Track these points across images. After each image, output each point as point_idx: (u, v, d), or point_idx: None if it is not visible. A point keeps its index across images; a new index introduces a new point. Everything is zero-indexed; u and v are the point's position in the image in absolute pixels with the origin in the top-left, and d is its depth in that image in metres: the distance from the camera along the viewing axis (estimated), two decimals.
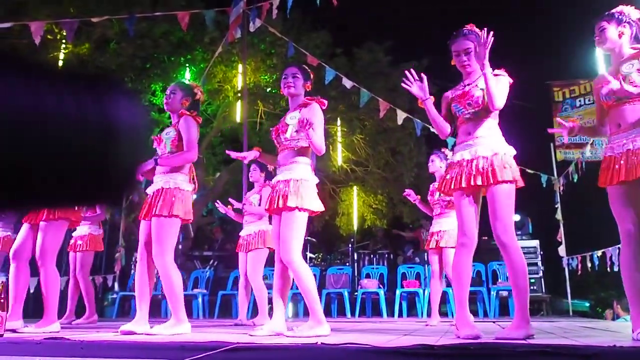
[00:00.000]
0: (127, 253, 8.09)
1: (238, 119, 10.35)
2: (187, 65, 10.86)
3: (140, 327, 3.34)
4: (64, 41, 9.48)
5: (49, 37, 8.53)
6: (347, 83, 7.76)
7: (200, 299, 7.51)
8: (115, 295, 7.94)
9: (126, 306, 8.14)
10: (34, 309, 7.30)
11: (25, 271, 3.85)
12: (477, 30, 3.09)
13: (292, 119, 3.27)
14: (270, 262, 5.77)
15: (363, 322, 5.54)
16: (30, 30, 6.12)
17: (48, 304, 3.75)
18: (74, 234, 5.71)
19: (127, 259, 8.07)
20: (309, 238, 8.02)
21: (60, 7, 9.11)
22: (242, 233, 5.46)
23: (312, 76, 3.46)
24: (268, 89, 11.18)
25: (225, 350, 2.18)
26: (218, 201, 5.73)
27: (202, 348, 2.22)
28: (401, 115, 7.83)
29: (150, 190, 3.51)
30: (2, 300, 3.19)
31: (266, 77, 11.30)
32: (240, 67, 10.45)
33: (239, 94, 10.25)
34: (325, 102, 3.36)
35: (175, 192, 3.43)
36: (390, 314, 7.38)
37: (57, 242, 3.85)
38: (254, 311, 6.85)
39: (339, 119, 11.16)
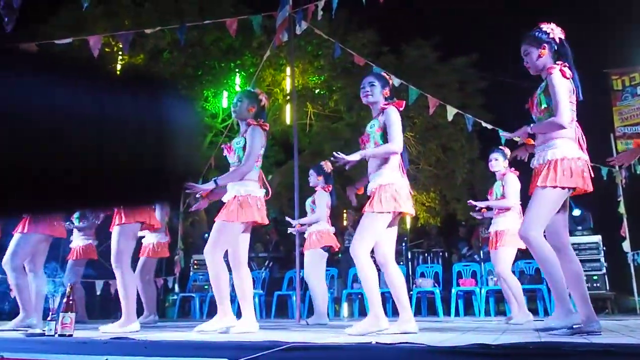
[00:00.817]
0: (185, 256, 8.36)
1: (288, 121, 10.47)
2: (237, 70, 11.08)
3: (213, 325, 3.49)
4: (120, 53, 9.89)
5: (106, 50, 8.92)
6: (395, 81, 7.69)
7: (257, 300, 7.66)
8: (175, 297, 8.22)
9: (186, 307, 8.41)
10: (100, 309, 7.66)
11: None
12: (542, 27, 3.05)
13: (371, 127, 3.37)
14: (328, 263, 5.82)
15: (419, 322, 5.45)
16: (89, 44, 6.40)
17: (127, 304, 3.91)
18: (143, 240, 5.97)
19: (185, 261, 8.33)
20: None
21: (115, 20, 9.50)
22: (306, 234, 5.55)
23: (390, 82, 3.51)
24: (317, 91, 11.26)
25: (281, 349, 2.22)
26: (293, 229, 5.73)
27: (259, 347, 2.27)
28: (451, 111, 7.70)
29: (225, 198, 3.68)
30: (70, 302, 3.35)
31: (314, 78, 11.38)
32: (288, 70, 10.58)
33: (288, 97, 10.37)
34: (403, 102, 3.42)
35: (243, 199, 3.59)
36: (447, 313, 7.28)
37: (130, 244, 4.03)
38: (309, 311, 6.92)
39: None
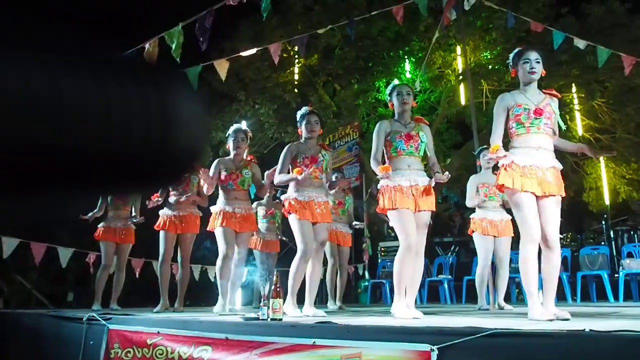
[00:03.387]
0: (372, 244, 8.64)
1: (463, 102, 10.18)
2: (405, 57, 11.06)
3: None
4: (296, 56, 10.52)
5: (284, 55, 9.57)
6: (580, 43, 7.02)
7: (445, 285, 7.62)
8: (367, 283, 8.56)
9: (377, 293, 8.70)
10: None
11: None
12: None
13: (554, 107, 3.33)
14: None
15: (631, 307, 4.97)
16: (270, 53, 6.94)
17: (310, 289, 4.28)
18: None
19: (372, 248, 8.62)
20: None
21: (290, 27, 10.14)
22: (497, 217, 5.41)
23: None
24: (490, 66, 10.74)
25: (484, 335, 2.20)
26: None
27: (460, 333, 2.27)
28: None
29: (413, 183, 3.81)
30: (278, 289, 3.67)
31: (487, 53, 10.87)
32: (458, 49, 10.25)
33: (461, 77, 10.06)
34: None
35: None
36: None
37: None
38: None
39: (573, 85, 10.15)
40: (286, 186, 4.45)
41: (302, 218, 4.17)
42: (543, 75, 3.34)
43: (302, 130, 4.41)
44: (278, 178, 4.37)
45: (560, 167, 3.27)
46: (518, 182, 3.16)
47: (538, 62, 3.29)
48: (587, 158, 10.89)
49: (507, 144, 3.38)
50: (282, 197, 4.38)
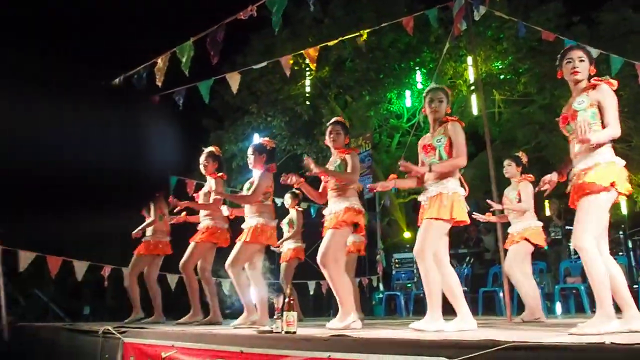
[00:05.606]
0: (386, 255, 8.60)
1: (475, 112, 10.15)
2: (416, 68, 11.08)
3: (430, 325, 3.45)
4: (307, 69, 10.58)
5: (295, 67, 9.63)
6: (593, 52, 6.97)
7: None
8: (381, 295, 8.50)
9: (392, 305, 8.63)
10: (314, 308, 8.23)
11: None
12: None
13: (580, 104, 3.04)
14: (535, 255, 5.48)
15: None
16: (281, 65, 6.97)
17: (343, 301, 4.06)
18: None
19: (387, 260, 8.57)
20: (570, 227, 7.41)
21: (301, 39, 10.21)
22: (509, 230, 5.34)
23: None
24: (502, 76, 10.71)
25: (502, 348, 2.16)
26: (475, 214, 5.61)
27: (477, 346, 2.24)
28: None
29: (428, 195, 3.63)
30: (291, 302, 3.64)
31: (498, 63, 10.85)
32: (469, 59, 10.24)
33: (472, 87, 10.05)
34: (616, 82, 3.05)
35: (453, 197, 3.51)
36: None
37: (342, 245, 4.23)
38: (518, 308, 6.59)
39: None
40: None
41: None
42: (592, 73, 3.12)
43: None
44: None
45: (601, 160, 2.92)
46: None
47: (582, 61, 3.09)
48: None
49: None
50: None
